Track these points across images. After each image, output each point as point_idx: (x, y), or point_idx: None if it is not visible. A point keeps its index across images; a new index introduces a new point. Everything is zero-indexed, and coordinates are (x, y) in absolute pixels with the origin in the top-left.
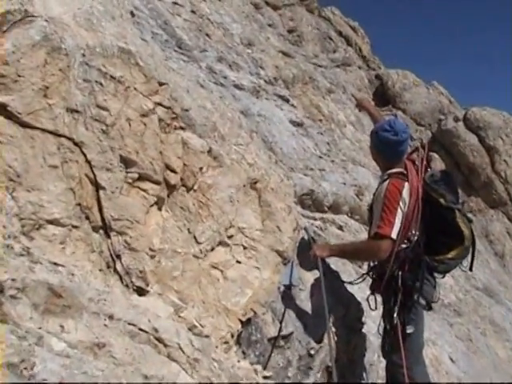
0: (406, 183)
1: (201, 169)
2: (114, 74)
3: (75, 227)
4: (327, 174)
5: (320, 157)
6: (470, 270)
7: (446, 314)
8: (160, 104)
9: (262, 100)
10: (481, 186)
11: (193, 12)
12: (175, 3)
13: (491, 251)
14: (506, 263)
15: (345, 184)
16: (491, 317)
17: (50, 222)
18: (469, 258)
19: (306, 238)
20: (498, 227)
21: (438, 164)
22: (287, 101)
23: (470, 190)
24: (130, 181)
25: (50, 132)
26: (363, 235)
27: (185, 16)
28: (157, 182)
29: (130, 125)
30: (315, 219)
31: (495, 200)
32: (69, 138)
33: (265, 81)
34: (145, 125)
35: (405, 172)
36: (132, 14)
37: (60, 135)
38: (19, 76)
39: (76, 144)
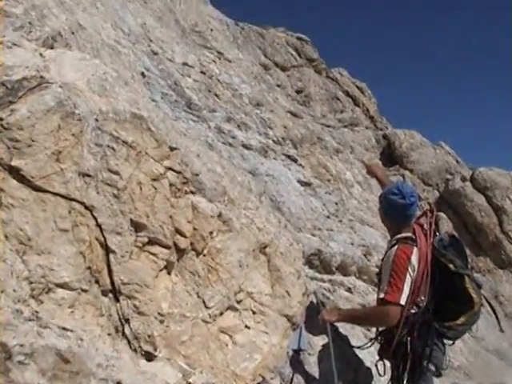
0: (415, 248)
1: (210, 233)
2: (126, 139)
3: (84, 291)
4: (335, 234)
5: (328, 217)
6: (501, 330)
7: (456, 377)
8: (171, 168)
9: (270, 160)
10: (489, 247)
11: (202, 73)
12: (185, 64)
13: (501, 312)
14: None
15: (352, 244)
16: (502, 380)
17: (60, 285)
18: (478, 322)
19: (314, 301)
20: (508, 288)
21: (446, 224)
22: (295, 161)
23: (478, 250)
24: (140, 245)
25: (62, 196)
26: (372, 297)
27: (194, 76)
28: (166, 246)
29: (140, 189)
30: (323, 281)
31: (504, 261)
32: (80, 202)
33: (273, 141)
34: (155, 189)
35: (413, 237)
36: (143, 75)
37: (71, 199)
38: (33, 141)
39: (87, 208)
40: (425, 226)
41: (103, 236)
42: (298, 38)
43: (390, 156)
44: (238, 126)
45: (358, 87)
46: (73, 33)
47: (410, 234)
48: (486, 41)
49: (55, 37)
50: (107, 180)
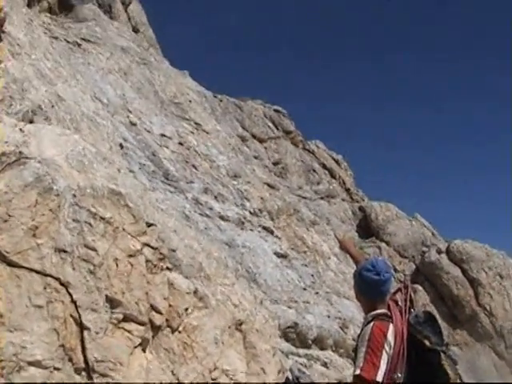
0: (391, 325)
1: (186, 310)
2: (103, 215)
3: (57, 369)
4: (311, 307)
5: (304, 289)
6: None
7: None
8: (147, 244)
9: (246, 231)
10: (466, 319)
11: (180, 144)
12: (163, 135)
13: None
14: None
15: (329, 317)
16: None
17: (32, 363)
18: None
19: (290, 378)
20: (485, 362)
21: (422, 296)
22: (272, 232)
23: (455, 322)
24: (115, 321)
25: (37, 272)
26: (348, 372)
27: (172, 147)
28: (142, 323)
29: (117, 265)
30: (299, 356)
31: (481, 334)
32: (55, 278)
33: (250, 212)
34: (132, 265)
35: (389, 313)
36: (121, 146)
37: (47, 275)
38: (10, 216)
39: (62, 284)
40: (399, 302)
41: (78, 313)
42: (276, 111)
43: (367, 228)
44: (215, 198)
45: (334, 159)
46: (52, 106)
47: (385, 311)
48: (465, 110)
49: (35, 110)
50: (83, 256)
